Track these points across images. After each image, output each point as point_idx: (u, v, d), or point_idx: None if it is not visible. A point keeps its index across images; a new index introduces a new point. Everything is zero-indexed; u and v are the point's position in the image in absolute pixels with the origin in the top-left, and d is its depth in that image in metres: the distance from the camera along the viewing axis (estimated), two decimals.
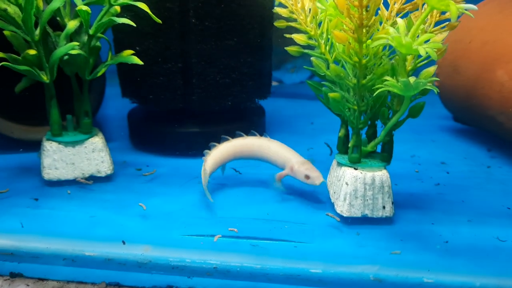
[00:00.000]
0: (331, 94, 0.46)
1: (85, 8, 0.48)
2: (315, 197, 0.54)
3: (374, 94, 0.45)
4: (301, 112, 0.79)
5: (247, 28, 0.61)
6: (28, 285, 0.43)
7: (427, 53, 0.41)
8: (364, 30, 0.44)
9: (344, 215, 0.48)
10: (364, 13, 0.43)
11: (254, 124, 0.67)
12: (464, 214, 0.50)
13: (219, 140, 0.60)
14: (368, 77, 0.46)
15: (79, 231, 0.46)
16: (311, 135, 0.71)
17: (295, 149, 0.68)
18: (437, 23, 0.47)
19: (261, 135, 0.70)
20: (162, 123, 0.64)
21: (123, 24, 0.51)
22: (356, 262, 0.42)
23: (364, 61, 0.45)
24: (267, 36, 0.64)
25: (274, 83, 0.91)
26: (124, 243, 0.44)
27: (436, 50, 0.47)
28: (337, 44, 0.48)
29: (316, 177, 0.51)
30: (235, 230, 0.46)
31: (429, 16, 0.47)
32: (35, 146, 0.61)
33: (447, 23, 0.47)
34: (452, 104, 0.69)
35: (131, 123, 0.66)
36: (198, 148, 0.63)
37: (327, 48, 0.49)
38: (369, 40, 0.44)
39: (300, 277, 0.41)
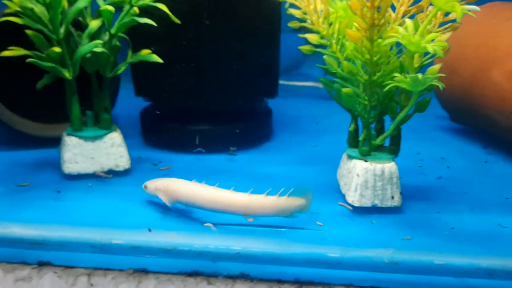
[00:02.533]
0: (344, 90, 0.49)
1: (110, 8, 0.50)
2: (326, 189, 0.56)
3: (385, 90, 0.48)
4: (306, 112, 0.82)
5: (257, 29, 0.64)
6: (56, 273, 0.45)
7: (434, 51, 0.45)
8: (375, 30, 0.47)
9: (355, 205, 0.51)
10: (375, 13, 0.46)
11: (262, 123, 0.70)
12: (467, 204, 0.53)
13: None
14: (378, 73, 0.49)
15: (104, 220, 0.48)
16: (316, 134, 0.74)
17: (300, 147, 0.71)
18: (440, 25, 0.51)
19: (268, 134, 0.73)
20: (174, 121, 0.66)
21: (138, 25, 0.54)
22: (371, 246, 0.45)
23: (375, 58, 0.48)
24: (276, 37, 0.67)
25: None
26: (150, 230, 0.46)
27: (442, 48, 0.50)
28: (347, 43, 0.51)
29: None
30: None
31: (433, 18, 0.51)
32: (51, 143, 0.63)
33: (449, 24, 0.50)
34: (449, 104, 0.73)
35: (143, 120, 0.68)
36: (208, 145, 0.66)
37: (338, 47, 0.52)
38: (380, 39, 0.47)
39: (320, 261, 0.43)
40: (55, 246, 0.45)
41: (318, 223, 0.49)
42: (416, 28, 0.48)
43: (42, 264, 0.46)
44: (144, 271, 0.45)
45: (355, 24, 0.47)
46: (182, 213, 0.50)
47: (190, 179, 0.59)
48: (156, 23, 0.58)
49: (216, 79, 0.63)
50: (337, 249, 0.44)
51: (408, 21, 0.46)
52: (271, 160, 0.65)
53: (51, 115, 0.64)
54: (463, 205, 0.53)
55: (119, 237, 0.45)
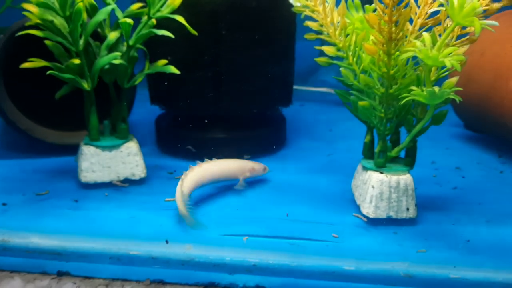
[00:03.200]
0: (361, 103, 0.50)
1: (129, 20, 0.51)
2: (340, 200, 0.56)
3: (401, 103, 0.48)
4: (319, 119, 0.82)
5: (273, 39, 0.64)
6: (75, 283, 0.46)
7: (452, 65, 0.45)
8: (393, 44, 0.47)
9: (370, 216, 0.51)
10: (393, 27, 0.46)
11: (276, 130, 0.70)
12: (483, 215, 0.53)
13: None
14: (394, 86, 0.49)
15: (121, 230, 0.49)
16: (330, 141, 0.74)
17: (315, 155, 0.72)
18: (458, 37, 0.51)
19: (282, 141, 0.73)
20: (189, 129, 0.67)
21: (154, 36, 0.54)
22: (386, 259, 0.45)
23: (392, 72, 0.48)
24: (291, 46, 0.67)
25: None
26: (167, 242, 0.46)
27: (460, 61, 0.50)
28: (363, 55, 0.51)
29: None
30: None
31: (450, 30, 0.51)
32: (69, 151, 0.64)
33: (467, 37, 0.50)
34: (464, 112, 0.72)
35: (158, 129, 0.69)
36: (224, 153, 0.66)
37: (355, 59, 0.52)
38: (397, 52, 0.47)
39: (335, 274, 0.44)
40: (73, 256, 0.46)
41: (333, 235, 0.49)
42: (434, 41, 0.48)
43: (61, 274, 0.47)
44: (161, 282, 0.46)
45: (372, 37, 0.47)
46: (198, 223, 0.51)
47: (206, 188, 0.60)
48: (173, 33, 0.59)
49: (231, 88, 0.64)
50: (352, 262, 0.45)
51: (426, 35, 0.46)
52: (286, 168, 0.65)
53: (70, 122, 0.65)
54: (479, 216, 0.53)
55: (136, 248, 0.46)
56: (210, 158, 0.65)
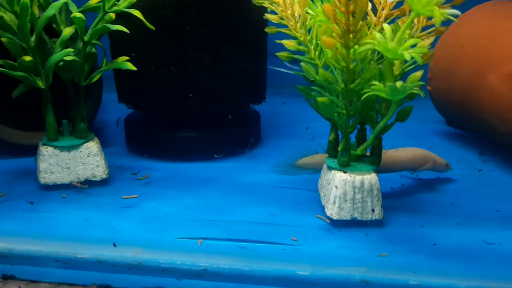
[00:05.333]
0: (319, 99, 0.47)
1: (79, 15, 0.49)
2: (308, 201, 0.54)
3: (362, 98, 0.46)
4: (296, 117, 0.80)
5: (242, 34, 0.62)
6: (20, 287, 0.44)
7: (412, 58, 0.42)
8: (351, 36, 0.44)
9: (334, 218, 0.49)
10: (350, 19, 0.44)
11: (250, 128, 0.68)
12: (454, 217, 0.50)
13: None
14: (356, 81, 0.47)
15: (72, 233, 0.47)
16: (307, 140, 0.71)
17: (290, 153, 0.69)
18: (425, 28, 0.48)
19: (258, 139, 0.71)
20: (158, 128, 0.65)
21: (120, 31, 0.52)
22: (344, 264, 0.43)
23: (351, 66, 0.46)
24: (262, 42, 0.65)
25: None
26: (115, 245, 0.45)
27: (423, 54, 0.48)
28: (326, 49, 0.49)
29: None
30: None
31: (416, 22, 0.48)
32: (34, 151, 0.63)
33: (432, 28, 0.47)
34: (445, 108, 0.69)
35: (128, 128, 0.67)
36: (194, 152, 0.64)
37: (317, 53, 0.50)
38: (357, 46, 0.45)
39: (288, 279, 0.42)
40: (19, 259, 0.44)
41: (292, 238, 0.47)
42: (397, 33, 0.45)
43: (6, 278, 0.45)
44: (108, 287, 0.44)
45: (329, 30, 0.45)
46: (154, 227, 0.49)
47: (172, 189, 0.58)
48: (138, 29, 0.57)
49: (200, 85, 0.61)
50: (308, 267, 0.42)
51: (386, 26, 0.44)
52: (257, 167, 0.63)
53: (31, 122, 0.64)
54: (450, 218, 0.50)
55: (84, 251, 0.44)
56: (180, 158, 0.63)
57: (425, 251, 0.45)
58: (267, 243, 0.46)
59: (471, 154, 0.65)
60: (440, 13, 0.41)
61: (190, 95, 0.61)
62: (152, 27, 0.53)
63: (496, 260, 0.43)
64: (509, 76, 0.56)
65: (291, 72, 0.51)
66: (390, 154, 0.55)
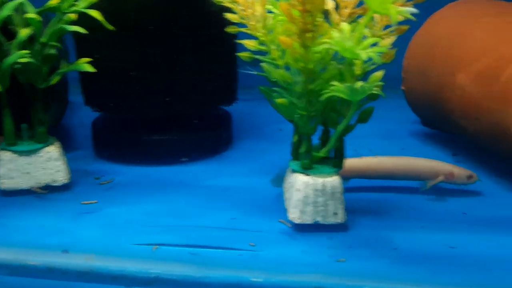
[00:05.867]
0: (278, 100, 0.46)
1: (34, 16, 0.48)
2: (274, 205, 0.53)
3: (320, 99, 0.44)
4: (270, 118, 0.78)
5: (209, 33, 0.60)
6: None
7: (369, 57, 0.41)
8: (308, 35, 0.43)
9: (296, 222, 0.48)
10: (307, 17, 0.43)
11: (220, 130, 0.67)
12: (419, 220, 0.49)
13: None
14: (316, 82, 0.45)
15: (26, 240, 0.46)
16: (279, 142, 0.70)
17: (260, 157, 0.68)
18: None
19: (229, 141, 0.70)
20: (125, 131, 0.63)
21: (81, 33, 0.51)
22: (300, 270, 0.41)
23: (310, 66, 0.45)
24: (231, 42, 0.63)
25: None
26: (66, 252, 0.43)
27: (384, 54, 0.47)
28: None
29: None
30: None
31: (379, 20, 0.47)
32: None
33: (394, 27, 0.46)
34: (419, 108, 0.68)
35: (95, 131, 0.66)
36: (161, 156, 0.63)
37: (279, 53, 0.48)
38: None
39: (241, 286, 0.40)
40: None
41: (251, 243, 0.46)
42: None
43: None
44: None
45: (287, 29, 0.44)
46: (112, 233, 0.48)
47: (135, 194, 0.57)
48: (101, 31, 0.56)
49: (165, 87, 0.60)
50: (261, 273, 0.41)
51: (344, 25, 0.43)
52: (226, 171, 0.62)
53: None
54: (415, 221, 0.49)
55: (34, 258, 0.43)
56: (147, 162, 0.62)
57: (386, 256, 0.43)
58: (225, 248, 0.45)
59: (444, 154, 0.64)
60: (397, 11, 0.40)
61: (156, 96, 0.60)
62: (111, 27, 0.52)
63: (458, 265, 0.42)
64: (478, 75, 0.55)
65: (252, 72, 0.50)
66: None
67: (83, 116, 0.68)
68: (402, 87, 0.69)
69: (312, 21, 0.42)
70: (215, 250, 0.45)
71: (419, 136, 0.71)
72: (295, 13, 0.42)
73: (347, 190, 0.54)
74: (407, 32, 0.70)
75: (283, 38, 0.44)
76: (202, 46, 0.60)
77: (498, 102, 0.53)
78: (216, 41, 0.61)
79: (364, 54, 0.41)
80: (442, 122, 0.64)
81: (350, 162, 0.54)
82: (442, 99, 0.61)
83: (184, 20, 0.58)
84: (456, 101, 0.58)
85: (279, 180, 0.55)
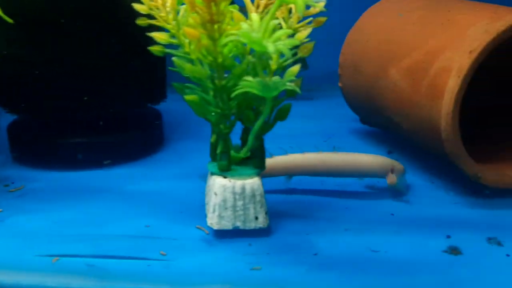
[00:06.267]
0: (187, 97, 0.43)
1: None
2: (197, 211, 0.49)
3: (232, 96, 0.41)
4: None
5: (129, 28, 0.56)
6: None
7: (277, 51, 0.38)
8: (216, 26, 0.40)
9: (214, 228, 0.44)
10: (213, 7, 0.39)
11: (149, 131, 0.63)
12: (344, 222, 0.47)
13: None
14: (227, 77, 0.42)
15: None
16: None
17: (193, 158, 0.65)
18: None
19: (160, 142, 0.66)
20: (42, 134, 0.59)
21: None
22: (209, 281, 0.38)
23: (220, 59, 0.41)
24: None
25: None
26: None
27: (302, 47, 0.44)
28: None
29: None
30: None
31: (294, 12, 0.45)
32: None
33: (311, 18, 0.44)
34: (356, 105, 0.66)
35: (10, 135, 0.61)
36: (83, 160, 0.59)
37: (192, 47, 0.45)
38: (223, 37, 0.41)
39: None
40: None
41: (161, 252, 0.42)
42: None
43: None
44: None
45: (191, 20, 0.40)
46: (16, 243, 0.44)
47: (47, 201, 0.53)
48: (7, 26, 0.51)
49: (83, 86, 0.56)
50: (166, 285, 0.38)
51: (254, 16, 0.40)
52: (153, 174, 0.58)
53: None
54: (340, 224, 0.46)
55: None
56: (67, 166, 0.57)
57: (304, 262, 0.41)
58: (132, 258, 0.41)
59: (380, 153, 0.62)
60: (303, 1, 0.37)
61: (71, 96, 0.56)
62: (10, 20, 0.47)
63: (378, 269, 0.40)
64: (408, 70, 0.53)
65: (170, 69, 0.46)
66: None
67: (6, 119, 0.64)
68: (339, 84, 0.67)
69: (217, 11, 0.39)
70: (120, 260, 0.41)
71: (358, 134, 0.69)
72: (198, 2, 0.39)
73: (271, 192, 0.52)
74: (345, 27, 0.69)
75: (188, 29, 0.40)
76: (121, 41, 0.56)
77: (427, 98, 0.51)
78: (136, 35, 0.57)
79: (271, 47, 0.38)
80: (378, 119, 0.62)
81: (275, 160, 0.52)
82: (376, 95, 0.59)
83: (98, 13, 0.54)
84: (389, 97, 0.56)
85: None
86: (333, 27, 0.72)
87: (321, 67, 0.79)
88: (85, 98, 0.56)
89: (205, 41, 0.40)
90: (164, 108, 0.68)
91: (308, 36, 0.44)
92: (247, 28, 0.39)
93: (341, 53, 0.65)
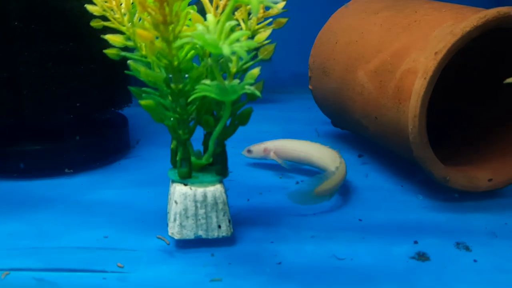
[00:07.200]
0: (142, 102, 0.41)
1: None
2: (157, 220, 0.47)
3: (188, 100, 0.40)
4: None
5: (87, 30, 0.54)
6: None
7: (235, 53, 0.37)
8: (170, 28, 0.38)
9: (176, 238, 0.43)
10: (166, 8, 0.38)
11: (112, 136, 0.61)
12: (311, 229, 0.45)
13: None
14: (185, 81, 0.41)
15: None
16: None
17: (157, 165, 0.62)
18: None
19: (121, 149, 0.64)
20: None
21: None
22: None
23: (175, 62, 0.40)
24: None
25: None
26: None
27: (263, 49, 0.43)
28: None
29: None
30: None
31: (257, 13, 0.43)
32: None
33: (271, 19, 0.42)
34: (325, 108, 0.65)
35: None
36: (41, 168, 0.56)
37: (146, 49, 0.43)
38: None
39: None
40: None
41: (118, 264, 0.40)
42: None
43: None
44: None
45: (145, 21, 0.39)
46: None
47: (1, 213, 0.50)
48: None
49: (38, 91, 0.53)
50: None
51: (209, 17, 0.38)
52: (114, 182, 0.56)
53: None
54: (306, 230, 0.45)
55: None
56: (24, 175, 0.55)
57: (266, 273, 0.39)
58: (87, 271, 0.39)
59: (350, 156, 0.61)
60: (258, 1, 0.36)
61: (26, 102, 0.53)
62: None
63: (343, 279, 0.38)
64: (375, 72, 0.52)
65: (127, 72, 0.44)
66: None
67: None
68: (310, 87, 0.66)
69: (170, 11, 0.38)
70: (73, 273, 0.39)
71: (329, 137, 0.68)
72: (150, 2, 0.37)
73: (235, 198, 0.50)
74: (315, 28, 0.68)
75: (140, 31, 0.38)
76: (79, 46, 0.54)
77: (394, 100, 0.50)
78: (97, 41, 0.55)
79: (226, 49, 0.36)
80: (347, 122, 0.61)
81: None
82: (344, 98, 0.58)
83: (55, 18, 0.52)
84: (357, 100, 0.55)
85: (299, 195, 0.49)
86: (304, 29, 0.71)
87: (293, 69, 0.77)
88: (36, 104, 0.53)
89: (159, 43, 0.39)
90: (131, 112, 0.66)
91: (279, 38, 0.42)
92: (202, 29, 0.37)
93: (311, 55, 0.64)
